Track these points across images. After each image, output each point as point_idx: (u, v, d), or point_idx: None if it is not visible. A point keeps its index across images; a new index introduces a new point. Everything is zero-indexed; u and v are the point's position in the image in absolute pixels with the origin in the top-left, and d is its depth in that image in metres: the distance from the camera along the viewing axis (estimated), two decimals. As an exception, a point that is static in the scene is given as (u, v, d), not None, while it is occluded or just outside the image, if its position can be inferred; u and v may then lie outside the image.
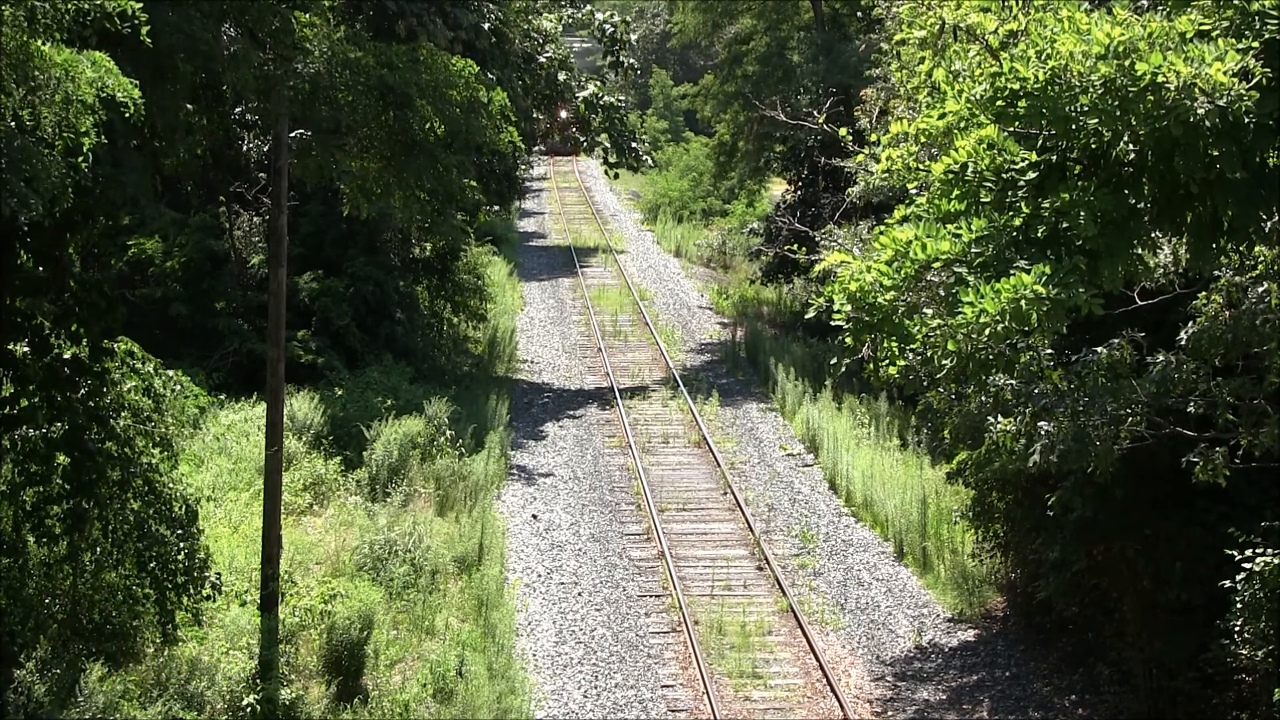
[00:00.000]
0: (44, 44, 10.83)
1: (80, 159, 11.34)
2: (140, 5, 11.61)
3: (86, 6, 11.20)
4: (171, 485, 16.02)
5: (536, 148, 49.82)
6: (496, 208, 42.82)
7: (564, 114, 39.71)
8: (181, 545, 15.94)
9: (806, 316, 12.23)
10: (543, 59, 36.20)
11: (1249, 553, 13.60)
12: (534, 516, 25.04)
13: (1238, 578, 13.74)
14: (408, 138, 17.01)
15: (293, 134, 17.64)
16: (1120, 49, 8.15)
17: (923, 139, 9.39)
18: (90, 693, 14.92)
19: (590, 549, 23.42)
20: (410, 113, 16.66)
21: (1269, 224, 8.84)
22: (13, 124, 10.74)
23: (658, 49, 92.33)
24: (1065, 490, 17.05)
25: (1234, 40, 8.20)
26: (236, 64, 14.04)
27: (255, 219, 32.05)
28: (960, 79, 9.13)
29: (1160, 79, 7.96)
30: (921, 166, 9.71)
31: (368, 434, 25.65)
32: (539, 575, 22.28)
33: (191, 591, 16.26)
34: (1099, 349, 14.50)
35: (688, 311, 44.33)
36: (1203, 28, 8.37)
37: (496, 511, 24.83)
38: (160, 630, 16.12)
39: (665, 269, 51.81)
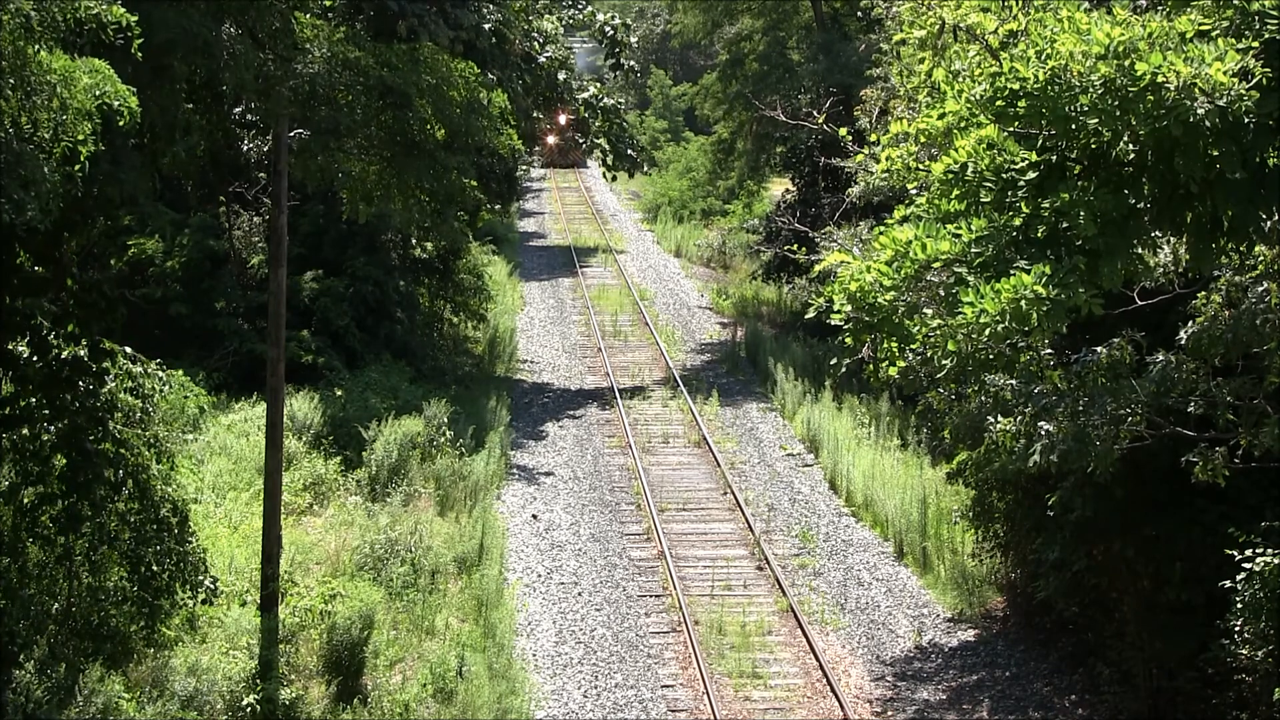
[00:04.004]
0: (40, 50, 10.82)
1: (76, 167, 11.33)
2: (136, 18, 11.59)
3: (83, 15, 11.19)
4: (161, 488, 16.00)
5: (535, 149, 49.78)
6: (497, 207, 42.80)
7: (563, 119, 39.71)
8: (168, 547, 15.91)
9: (806, 316, 12.22)
10: (543, 59, 36.20)
11: (1249, 553, 13.59)
12: (534, 516, 25.04)
13: (1238, 578, 13.73)
14: (407, 138, 17.00)
15: (292, 134, 17.63)
16: (1120, 49, 8.14)
17: (923, 139, 9.38)
18: (89, 693, 14.91)
19: (590, 549, 23.41)
20: (410, 113, 16.65)
21: (1269, 224, 8.82)
22: (11, 130, 10.73)
23: (658, 49, 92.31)
24: (1065, 490, 17.04)
25: (1234, 40, 8.19)
26: (235, 64, 14.03)
27: (255, 219, 32.03)
28: (960, 79, 9.12)
29: (1160, 79, 7.95)
30: (921, 166, 9.70)
31: (367, 434, 25.64)
32: (539, 575, 22.27)
33: (182, 595, 16.24)
34: (1099, 349, 14.50)
35: (688, 311, 44.33)
36: (1203, 28, 8.36)
37: (496, 511, 24.82)
38: (146, 634, 16.10)
39: (665, 269, 51.80)
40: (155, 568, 15.85)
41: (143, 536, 15.69)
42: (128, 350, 15.97)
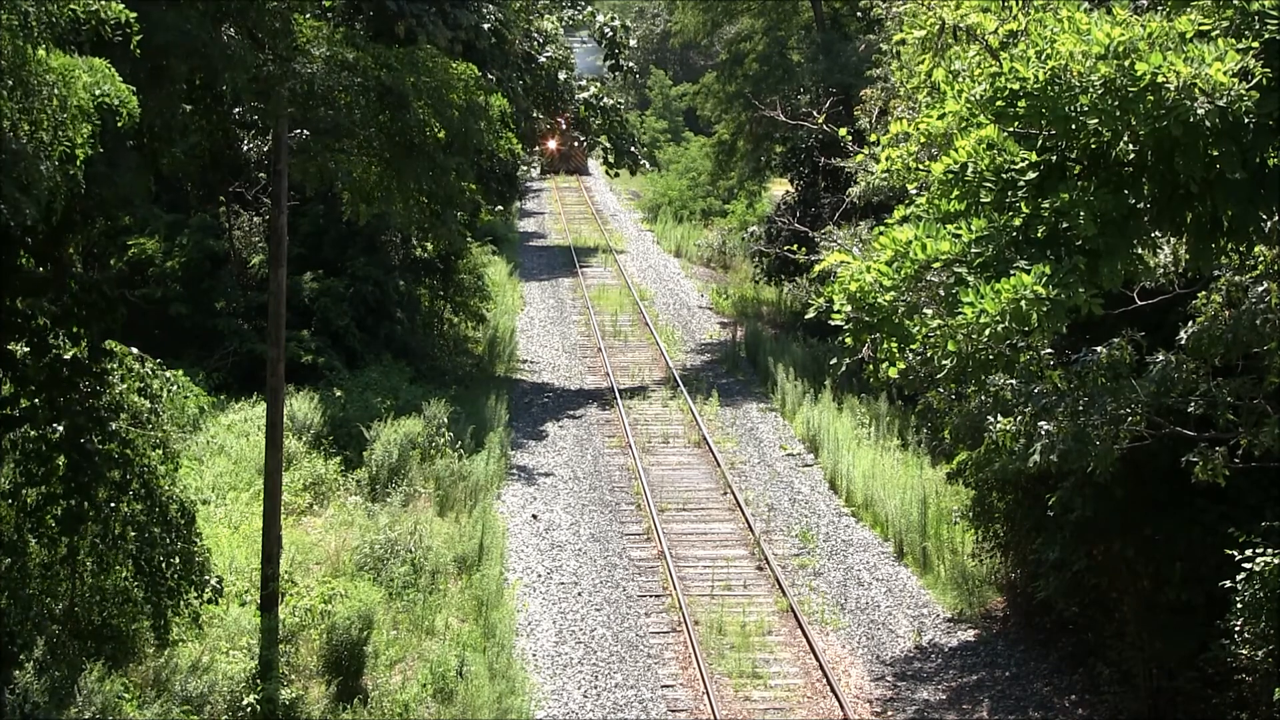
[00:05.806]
0: (40, 50, 10.81)
1: (75, 168, 11.33)
2: (135, 15, 11.59)
3: (82, 15, 11.19)
4: (168, 488, 16.01)
5: (535, 150, 49.77)
6: (497, 208, 42.81)
7: (563, 122, 39.72)
8: (175, 547, 15.92)
9: (806, 316, 12.22)
10: (543, 59, 36.20)
11: (1249, 553, 13.59)
12: (534, 516, 25.03)
13: (1238, 578, 13.73)
14: (406, 139, 16.99)
15: (292, 135, 17.63)
16: (1120, 49, 8.14)
17: (923, 139, 9.37)
18: (89, 693, 14.91)
19: (590, 549, 23.41)
20: (409, 114, 16.65)
21: (1269, 224, 8.82)
22: (11, 131, 10.73)
23: (658, 49, 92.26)
24: (1065, 490, 17.04)
25: (1234, 40, 8.19)
26: (232, 65, 14.03)
27: (255, 219, 32.04)
28: (960, 79, 9.11)
29: (1160, 79, 7.95)
30: (921, 166, 9.69)
31: (367, 434, 25.64)
32: (539, 575, 22.27)
33: (188, 595, 16.25)
34: (1099, 349, 14.50)
35: (688, 311, 44.32)
36: (1203, 28, 8.36)
37: (496, 512, 24.82)
38: (154, 633, 16.11)
39: (665, 269, 51.80)
40: (163, 568, 15.86)
41: (149, 537, 15.69)
42: (134, 351, 15.97)
